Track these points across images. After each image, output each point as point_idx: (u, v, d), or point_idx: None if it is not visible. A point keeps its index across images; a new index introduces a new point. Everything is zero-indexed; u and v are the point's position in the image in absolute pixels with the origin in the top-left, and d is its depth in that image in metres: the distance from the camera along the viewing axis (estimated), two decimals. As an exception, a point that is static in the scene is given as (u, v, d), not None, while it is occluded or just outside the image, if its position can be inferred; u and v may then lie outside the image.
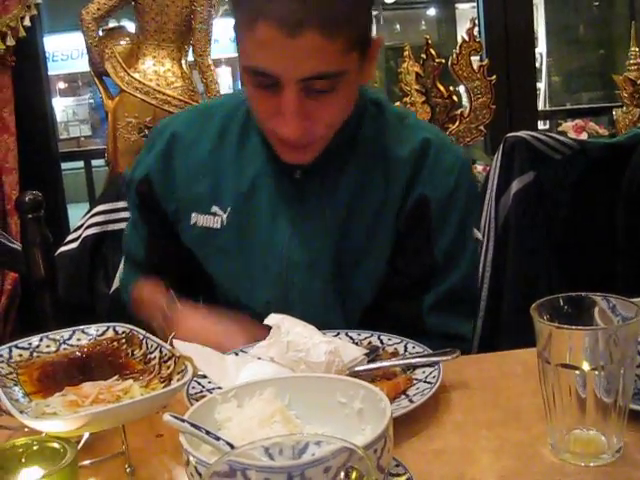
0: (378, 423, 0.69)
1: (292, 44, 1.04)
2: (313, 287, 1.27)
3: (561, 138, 2.03)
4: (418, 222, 1.27)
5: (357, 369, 1.01)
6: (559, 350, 0.81)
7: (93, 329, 1.03)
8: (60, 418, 0.80)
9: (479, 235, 1.37)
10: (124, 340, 1.00)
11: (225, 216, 1.29)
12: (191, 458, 0.65)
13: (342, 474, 0.55)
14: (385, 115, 1.32)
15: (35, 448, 0.77)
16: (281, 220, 1.27)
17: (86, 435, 0.88)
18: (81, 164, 3.77)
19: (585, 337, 0.79)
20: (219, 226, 1.29)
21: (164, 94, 2.67)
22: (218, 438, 0.69)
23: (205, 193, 1.30)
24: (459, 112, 2.71)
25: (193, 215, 1.31)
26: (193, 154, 1.32)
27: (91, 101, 10.47)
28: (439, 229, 1.27)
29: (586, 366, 0.80)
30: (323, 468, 0.56)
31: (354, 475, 0.53)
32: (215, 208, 1.30)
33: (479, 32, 3.23)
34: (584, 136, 3.06)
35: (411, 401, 0.93)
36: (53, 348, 1.01)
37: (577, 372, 0.80)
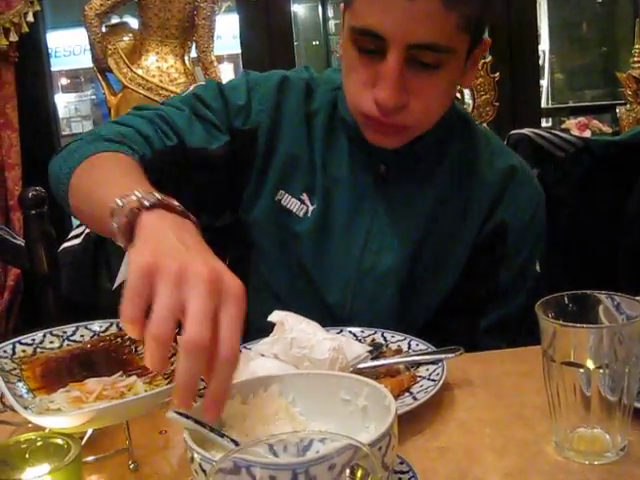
0: (382, 420, 0.69)
1: (410, 6, 1.03)
2: (382, 297, 1.26)
3: (564, 135, 2.03)
4: (493, 247, 1.28)
5: (360, 366, 1.01)
6: (564, 348, 0.80)
7: (96, 325, 1.03)
8: (64, 414, 0.80)
9: (538, 269, 1.38)
10: (127, 336, 1.00)
11: (312, 208, 1.27)
12: (195, 455, 0.65)
13: (347, 471, 0.55)
14: (473, 133, 1.32)
15: (39, 444, 0.77)
16: (360, 221, 1.26)
17: (90, 431, 0.88)
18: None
19: (590, 335, 0.79)
20: (302, 215, 1.27)
21: (167, 90, 2.66)
22: (222, 435, 0.69)
23: (298, 174, 1.28)
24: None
25: (281, 192, 1.28)
26: (296, 123, 1.29)
27: (93, 97, 10.44)
28: (510, 256, 1.28)
29: (591, 364, 0.79)
30: (328, 465, 0.56)
31: (359, 473, 0.53)
32: (305, 196, 1.28)
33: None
34: (587, 134, 3.06)
35: (415, 398, 0.93)
36: (57, 344, 1.00)
37: (582, 370, 0.80)
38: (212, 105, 1.27)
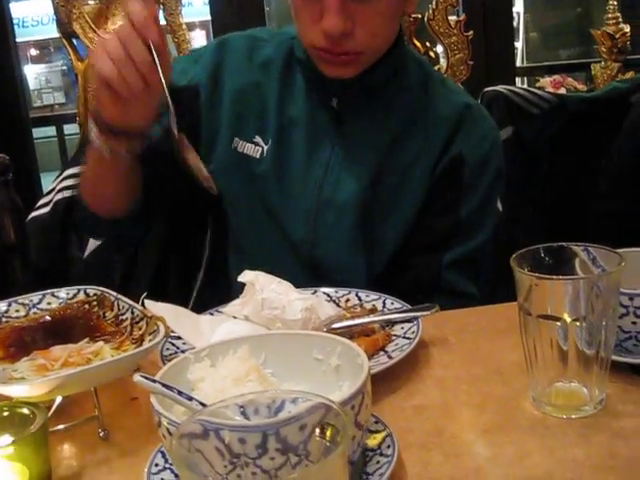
0: (355, 379, 0.67)
1: None
2: (342, 227, 1.28)
3: (539, 92, 2.01)
4: (450, 181, 1.29)
5: (334, 326, 0.99)
6: (540, 301, 0.79)
7: (63, 292, 1.01)
8: (28, 382, 0.78)
9: (500, 207, 1.40)
10: (95, 302, 0.98)
11: (266, 148, 1.29)
12: (163, 419, 0.63)
13: (317, 431, 0.53)
14: (428, 73, 1.36)
15: (4, 414, 0.75)
16: (318, 156, 1.29)
17: (58, 399, 0.86)
18: (54, 132, 3.71)
19: (567, 287, 0.77)
20: (258, 156, 1.30)
21: (135, 54, 2.61)
22: (191, 398, 0.67)
23: (250, 120, 1.31)
24: (436, 68, 2.67)
25: (235, 139, 1.31)
26: (240, 75, 1.33)
27: (64, 67, 10.29)
28: (469, 191, 1.30)
29: (567, 317, 0.78)
30: (299, 426, 0.55)
31: (329, 432, 0.51)
32: (258, 138, 1.30)
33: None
34: (562, 92, 3.04)
35: (390, 357, 0.91)
36: (22, 313, 0.98)
37: (558, 323, 0.78)
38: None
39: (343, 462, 0.47)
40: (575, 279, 0.80)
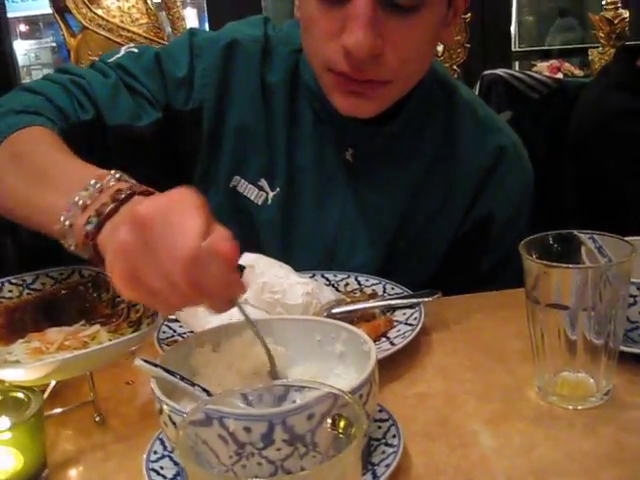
0: (362, 367, 0.65)
1: None
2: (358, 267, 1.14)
3: (538, 77, 1.99)
4: (475, 239, 1.17)
5: (334, 311, 0.97)
6: (549, 289, 0.77)
7: (57, 272, 0.98)
8: (23, 366, 0.76)
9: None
10: (90, 283, 0.95)
11: (272, 194, 1.13)
12: (165, 407, 0.61)
13: (329, 422, 0.51)
14: (456, 104, 1.17)
15: (-2, 399, 0.73)
16: (329, 213, 1.14)
17: (53, 383, 0.84)
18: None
19: (576, 276, 0.76)
20: (260, 202, 1.14)
21: (129, 31, 2.56)
22: (193, 384, 0.65)
23: (255, 159, 1.14)
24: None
25: (235, 178, 1.14)
26: (249, 102, 1.13)
27: (53, 44, 10.17)
28: (493, 248, 1.18)
29: (576, 306, 0.76)
30: (306, 415, 0.53)
31: (342, 423, 0.49)
32: (263, 182, 1.14)
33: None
34: (559, 77, 3.02)
35: (392, 344, 0.90)
36: (16, 293, 0.96)
37: (566, 312, 0.77)
38: (143, 78, 1.11)
39: (357, 456, 0.45)
40: (584, 267, 0.78)
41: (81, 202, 0.76)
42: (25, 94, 1.07)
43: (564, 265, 0.76)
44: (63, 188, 0.78)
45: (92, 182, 0.77)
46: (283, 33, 1.17)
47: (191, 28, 1.23)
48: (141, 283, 0.65)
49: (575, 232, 0.83)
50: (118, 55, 1.15)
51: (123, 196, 0.74)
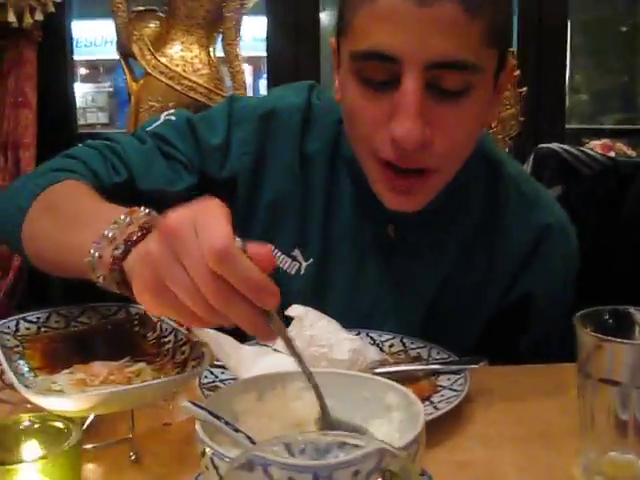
0: (408, 427, 0.64)
1: (424, 15, 0.86)
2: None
3: (592, 153, 1.99)
4: (515, 315, 1.15)
5: (378, 371, 0.96)
6: (602, 364, 0.76)
7: (105, 308, 0.99)
8: (68, 396, 0.75)
9: None
10: (137, 322, 0.96)
11: (305, 265, 1.12)
12: (207, 449, 0.60)
13: (376, 478, 0.50)
14: (500, 178, 1.14)
15: (37, 426, 0.72)
16: (363, 289, 1.13)
17: (91, 417, 0.83)
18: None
19: (630, 352, 0.74)
20: (294, 272, 1.13)
21: (190, 80, 2.62)
22: (237, 430, 0.64)
23: (289, 230, 1.13)
24: (487, 122, 2.66)
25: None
26: (284, 172, 1.12)
27: (111, 89, 10.42)
28: (534, 326, 1.15)
29: (629, 383, 0.74)
30: (353, 471, 0.52)
31: (393, 480, 0.48)
32: (297, 252, 1.13)
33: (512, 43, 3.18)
34: (612, 155, 3.01)
35: (436, 408, 0.88)
36: (62, 324, 0.96)
37: (618, 389, 0.75)
38: (178, 143, 1.12)
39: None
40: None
41: (110, 234, 0.78)
42: (64, 159, 1.13)
43: (619, 340, 0.75)
44: (94, 227, 0.80)
45: (122, 217, 0.79)
46: (327, 102, 1.15)
47: (232, 95, 1.22)
48: (167, 294, 0.64)
49: (631, 308, 0.81)
50: (157, 123, 1.17)
51: (150, 225, 0.76)
